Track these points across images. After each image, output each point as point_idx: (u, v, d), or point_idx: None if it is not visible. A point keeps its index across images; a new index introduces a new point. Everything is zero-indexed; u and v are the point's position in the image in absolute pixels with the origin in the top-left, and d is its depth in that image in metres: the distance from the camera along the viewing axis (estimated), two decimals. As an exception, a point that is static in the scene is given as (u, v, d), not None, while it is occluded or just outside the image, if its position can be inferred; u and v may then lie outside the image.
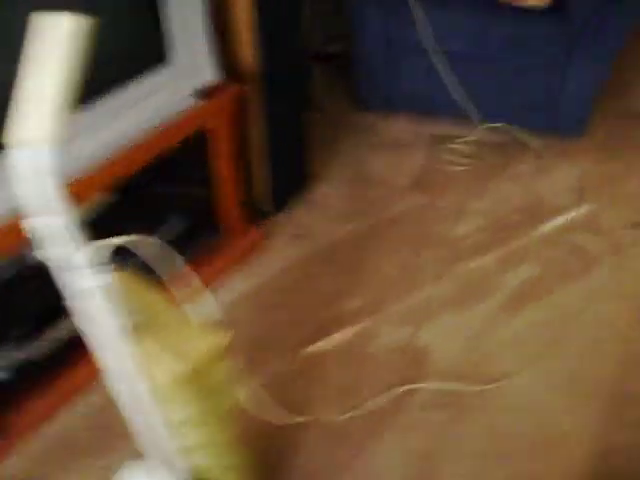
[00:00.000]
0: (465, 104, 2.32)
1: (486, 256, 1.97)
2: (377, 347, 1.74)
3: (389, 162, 2.33)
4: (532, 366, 1.68)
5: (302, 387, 1.64)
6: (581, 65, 2.14)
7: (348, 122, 2.51)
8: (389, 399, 1.61)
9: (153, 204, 1.77)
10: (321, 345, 1.75)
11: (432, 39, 2.19)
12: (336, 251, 2.00)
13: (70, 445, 1.54)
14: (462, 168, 2.29)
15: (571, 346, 1.72)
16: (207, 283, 1.85)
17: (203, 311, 0.99)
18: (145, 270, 0.95)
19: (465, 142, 2.39)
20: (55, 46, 0.67)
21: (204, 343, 0.94)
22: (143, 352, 0.90)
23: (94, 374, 1.31)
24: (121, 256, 0.84)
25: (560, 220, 2.09)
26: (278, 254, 1.99)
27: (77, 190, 1.38)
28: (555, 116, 2.30)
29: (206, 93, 1.62)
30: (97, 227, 1.62)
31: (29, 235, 0.75)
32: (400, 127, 2.48)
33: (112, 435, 1.50)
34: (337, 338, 1.77)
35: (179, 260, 0.94)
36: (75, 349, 1.47)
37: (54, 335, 1.56)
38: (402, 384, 1.64)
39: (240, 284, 1.90)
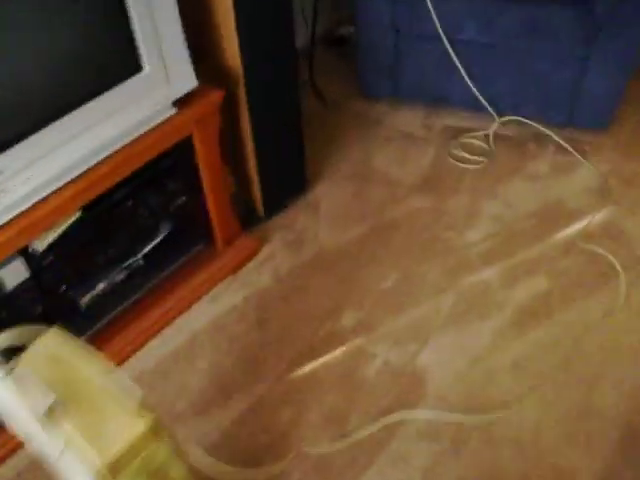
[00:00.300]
0: (479, 95, 2.15)
1: (494, 266, 1.84)
2: (371, 370, 1.64)
3: (395, 158, 2.18)
4: (535, 394, 1.55)
5: (289, 413, 1.55)
6: (605, 54, 1.95)
7: (354, 112, 2.35)
8: (381, 428, 1.52)
9: (138, 214, 1.67)
10: (311, 366, 1.65)
11: (443, 25, 2.02)
12: (333, 259, 1.89)
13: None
14: (474, 166, 2.13)
15: (579, 373, 1.59)
16: (195, 295, 1.77)
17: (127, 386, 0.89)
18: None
19: (479, 136, 2.22)
20: None
21: (132, 423, 0.84)
22: (68, 434, 0.81)
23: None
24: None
25: (578, 226, 1.93)
26: (271, 263, 1.88)
27: (54, 206, 1.32)
28: (577, 109, 2.11)
29: (186, 101, 1.50)
30: (79, 242, 1.57)
31: None
32: (409, 119, 2.32)
33: None
34: (329, 358, 1.67)
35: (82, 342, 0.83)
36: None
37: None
38: (396, 411, 1.54)
39: (228, 297, 1.80)
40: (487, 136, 2.21)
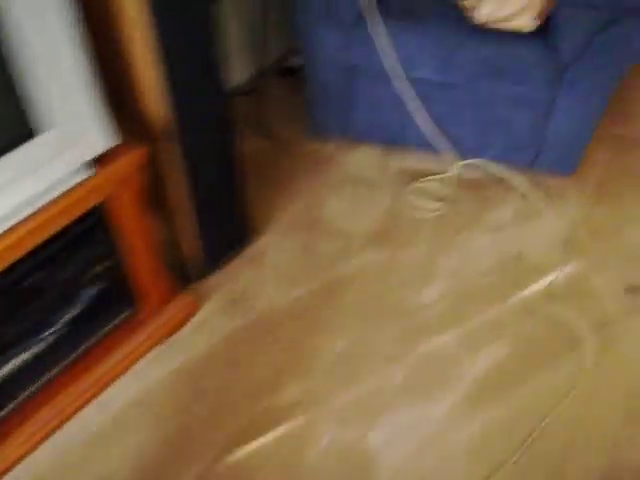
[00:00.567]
0: (437, 137, 2.00)
1: (452, 331, 1.69)
2: (315, 452, 1.47)
3: (348, 205, 2.01)
4: (493, 483, 1.41)
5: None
6: (571, 96, 1.81)
7: (304, 152, 2.18)
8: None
9: (56, 282, 1.49)
10: (249, 448, 1.49)
11: (397, 65, 1.86)
12: (278, 321, 1.72)
13: None
14: (432, 214, 1.98)
15: (542, 457, 1.45)
16: (120, 368, 1.59)
17: None
18: None
19: (438, 180, 2.07)
20: None
21: None
22: None
23: None
24: None
25: (542, 284, 1.79)
26: (209, 326, 1.71)
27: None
28: (542, 152, 1.97)
29: (105, 160, 1.32)
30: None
31: None
32: (363, 160, 2.15)
33: None
34: (269, 438, 1.50)
35: None
36: None
37: None
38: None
39: (158, 368, 1.62)
40: (447, 180, 2.07)
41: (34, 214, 1.25)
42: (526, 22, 1.77)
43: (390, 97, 1.95)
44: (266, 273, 1.83)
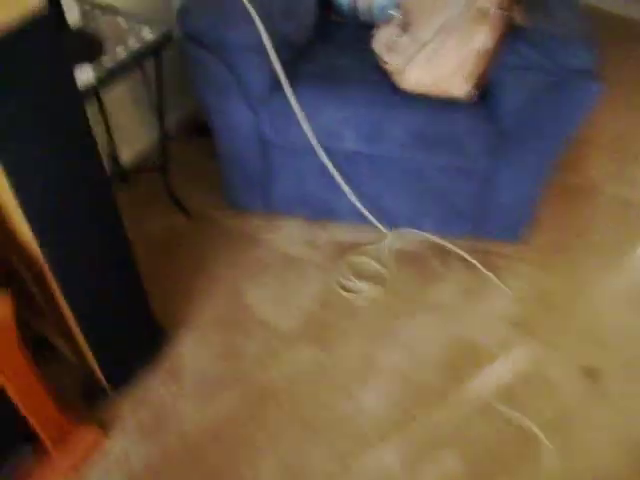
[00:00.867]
0: (368, 209, 1.80)
1: (394, 442, 1.49)
2: None
3: (273, 292, 1.79)
4: None
5: None
6: (513, 164, 1.64)
7: (224, 228, 1.94)
8: None
9: None
10: None
11: (318, 135, 1.65)
12: (197, 446, 1.49)
13: None
14: (367, 295, 1.77)
15: None
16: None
17: None
18: None
19: (371, 255, 1.87)
20: None
21: None
22: None
23: None
24: None
25: (491, 375, 1.61)
26: (118, 457, 1.47)
27: None
28: (485, 221, 1.79)
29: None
30: None
31: None
32: (288, 237, 1.93)
33: None
34: None
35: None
36: None
37: None
38: None
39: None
40: (381, 254, 1.87)
41: None
42: (459, 89, 1.58)
43: (313, 168, 1.74)
44: (183, 385, 1.60)
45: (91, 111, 1.83)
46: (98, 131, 1.90)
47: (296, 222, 1.96)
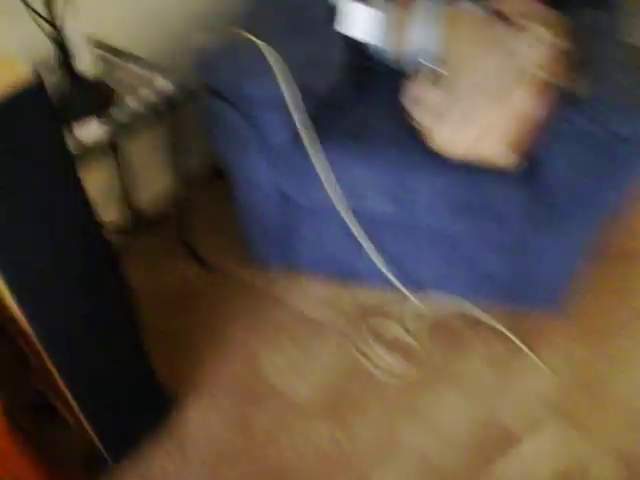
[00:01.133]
0: (393, 272, 1.68)
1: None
2: None
3: (291, 357, 1.67)
4: None
5: None
6: (558, 235, 1.50)
7: (242, 285, 1.83)
8: None
9: None
10: None
11: (341, 196, 1.54)
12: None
13: None
14: (391, 366, 1.65)
15: None
16: None
17: None
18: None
19: (396, 321, 1.74)
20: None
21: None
22: None
23: None
24: None
25: (522, 460, 1.47)
26: None
27: None
28: (517, 289, 1.66)
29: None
30: None
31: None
32: (309, 296, 1.81)
33: None
34: None
35: None
36: None
37: None
38: None
39: None
40: (407, 321, 1.74)
41: None
42: (501, 156, 1.45)
43: (336, 227, 1.63)
44: (187, 457, 1.49)
45: (106, 160, 1.75)
46: (114, 178, 1.82)
47: (317, 281, 1.84)
